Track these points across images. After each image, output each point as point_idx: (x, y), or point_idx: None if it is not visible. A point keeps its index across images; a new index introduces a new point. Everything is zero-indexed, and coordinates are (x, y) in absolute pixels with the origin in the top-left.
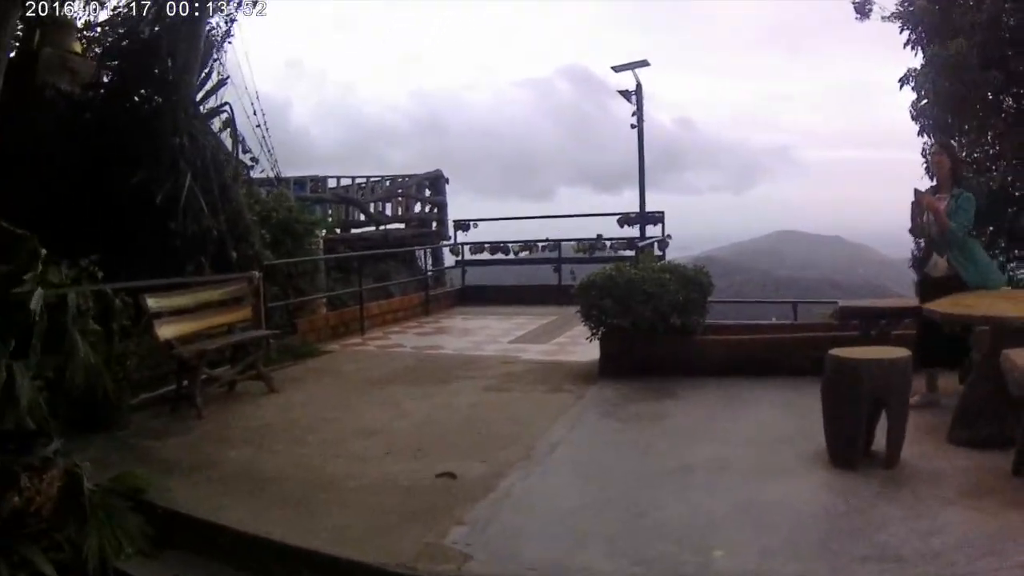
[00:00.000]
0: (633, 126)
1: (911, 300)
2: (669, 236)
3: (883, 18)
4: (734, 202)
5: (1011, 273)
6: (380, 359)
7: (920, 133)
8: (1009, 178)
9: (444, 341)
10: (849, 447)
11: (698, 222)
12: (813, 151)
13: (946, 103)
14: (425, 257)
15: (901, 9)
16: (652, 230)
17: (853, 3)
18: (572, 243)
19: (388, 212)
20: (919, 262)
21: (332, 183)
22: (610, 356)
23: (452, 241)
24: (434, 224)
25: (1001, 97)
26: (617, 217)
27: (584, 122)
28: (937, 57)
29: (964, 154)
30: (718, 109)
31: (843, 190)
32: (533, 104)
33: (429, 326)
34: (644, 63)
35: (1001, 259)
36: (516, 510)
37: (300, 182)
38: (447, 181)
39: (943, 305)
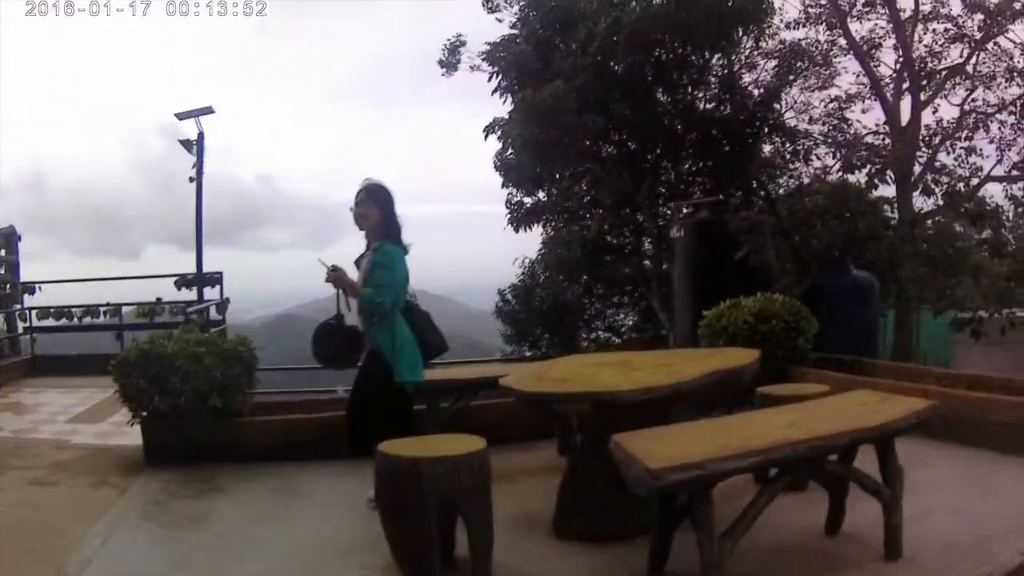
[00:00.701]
0: (192, 179)
1: (488, 368)
2: (227, 299)
3: (471, 67)
4: (314, 258)
5: (611, 320)
6: None
7: (504, 184)
8: (606, 226)
9: (2, 421)
10: (420, 563)
11: (279, 280)
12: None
13: (535, 151)
14: None
15: (491, 56)
16: (211, 292)
17: (440, 61)
18: (133, 307)
19: None
20: (318, 347)
21: None
22: (155, 442)
23: (21, 305)
24: (8, 286)
25: (600, 143)
26: (174, 279)
27: (171, 178)
28: (528, 102)
29: (557, 203)
30: (301, 164)
31: (426, 244)
32: (129, 159)
33: None
34: (208, 110)
35: (598, 306)
36: None
37: None
38: (19, 238)
39: (526, 381)
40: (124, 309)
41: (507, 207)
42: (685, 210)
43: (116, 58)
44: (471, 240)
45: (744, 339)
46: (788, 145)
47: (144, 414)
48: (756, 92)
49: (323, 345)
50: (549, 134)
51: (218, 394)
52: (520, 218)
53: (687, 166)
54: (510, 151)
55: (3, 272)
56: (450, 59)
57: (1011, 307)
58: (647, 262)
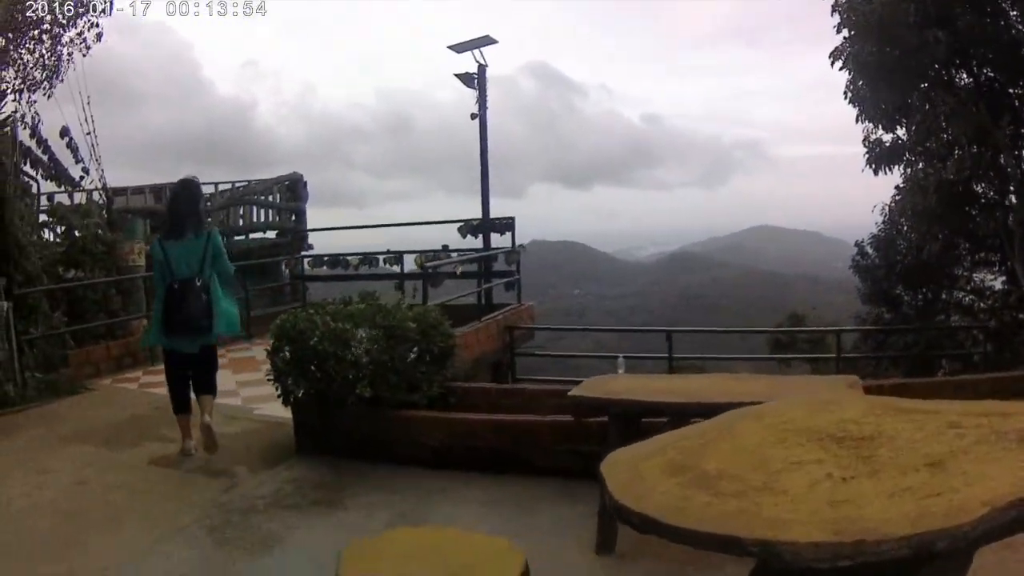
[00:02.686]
0: (474, 115)
1: (693, 386)
2: (521, 246)
3: None
4: (706, 197)
5: (978, 282)
6: (122, 403)
7: (859, 119)
8: (967, 171)
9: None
10: None
11: (671, 218)
12: (784, 147)
13: (874, 75)
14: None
15: None
16: (501, 240)
17: None
18: (415, 255)
19: (247, 221)
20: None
21: (210, 189)
22: (305, 428)
23: (309, 251)
24: (292, 235)
25: (951, 69)
26: (458, 225)
27: (550, 118)
28: (859, 13)
29: (917, 142)
30: (685, 106)
31: (818, 185)
32: (499, 102)
33: (230, 356)
34: (487, 40)
35: (965, 264)
36: None
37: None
38: (305, 184)
39: (646, 472)
40: (405, 257)
41: (864, 145)
42: None
43: (468, 12)
44: (860, 182)
45: None
46: None
47: (293, 398)
48: None
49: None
50: (885, 55)
51: (369, 383)
52: (879, 158)
53: None
54: (858, 81)
55: (290, 218)
56: None
57: None
58: (1012, 216)
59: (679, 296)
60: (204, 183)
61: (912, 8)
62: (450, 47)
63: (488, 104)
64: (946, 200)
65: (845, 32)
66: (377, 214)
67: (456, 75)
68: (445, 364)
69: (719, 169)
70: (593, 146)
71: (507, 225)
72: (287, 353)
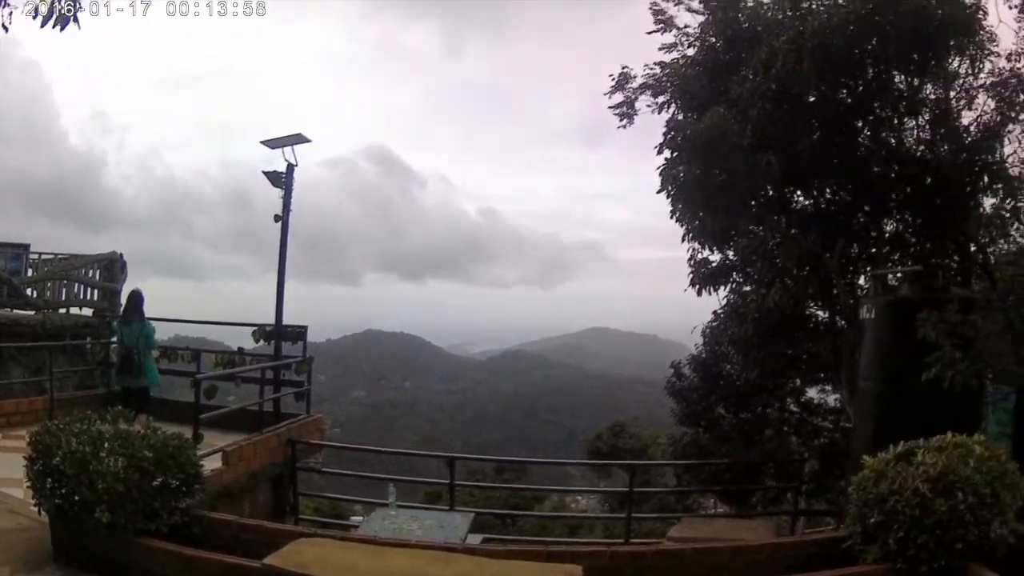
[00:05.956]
0: (278, 217)
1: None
2: (311, 357)
3: (648, 106)
4: (542, 296)
5: (807, 400)
6: None
7: (684, 238)
8: (791, 299)
9: (7, 464)
10: None
11: (505, 315)
12: (625, 249)
13: (698, 198)
14: (50, 356)
15: (658, 84)
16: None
17: (611, 107)
18: (212, 355)
19: (64, 296)
20: None
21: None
22: (59, 539)
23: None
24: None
25: (788, 192)
26: (252, 329)
27: (387, 205)
28: (684, 133)
29: (740, 265)
30: (525, 203)
31: (656, 288)
32: (337, 183)
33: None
34: (300, 139)
35: (794, 384)
36: None
37: (16, 253)
38: (124, 266)
39: None
40: (203, 356)
41: (690, 265)
42: (892, 280)
43: (313, 87)
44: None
45: (910, 521)
46: (1009, 201)
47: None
48: (974, 131)
49: None
50: (712, 176)
51: (107, 508)
52: (704, 278)
53: (891, 224)
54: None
55: (103, 299)
56: (622, 103)
57: None
58: (840, 340)
59: (510, 394)
60: (32, 252)
61: (748, 131)
62: (263, 143)
63: (328, 186)
64: (764, 329)
65: (667, 153)
66: (217, 288)
67: (264, 172)
68: (190, 493)
69: (557, 269)
70: (429, 237)
71: (299, 334)
72: (40, 465)
